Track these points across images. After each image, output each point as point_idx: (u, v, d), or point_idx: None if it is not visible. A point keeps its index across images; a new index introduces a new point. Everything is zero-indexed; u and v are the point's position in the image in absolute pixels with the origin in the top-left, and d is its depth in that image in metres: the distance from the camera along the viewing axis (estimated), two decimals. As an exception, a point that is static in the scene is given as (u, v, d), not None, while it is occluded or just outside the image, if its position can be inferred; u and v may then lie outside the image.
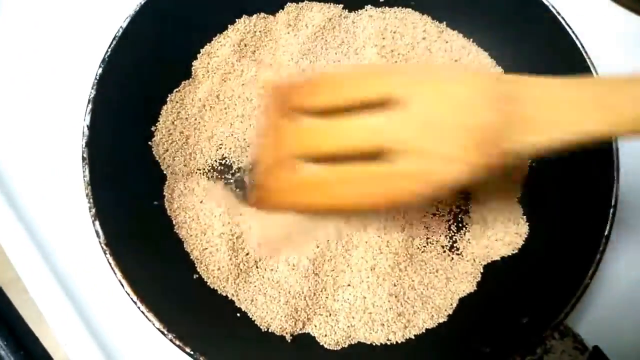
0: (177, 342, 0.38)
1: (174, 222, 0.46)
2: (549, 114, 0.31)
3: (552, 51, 0.49)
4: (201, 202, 0.47)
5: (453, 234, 0.48)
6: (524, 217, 0.47)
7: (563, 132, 0.30)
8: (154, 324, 0.38)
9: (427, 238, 0.48)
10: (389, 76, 0.35)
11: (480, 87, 0.32)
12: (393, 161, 0.31)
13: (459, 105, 0.31)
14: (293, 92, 0.37)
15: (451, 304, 0.45)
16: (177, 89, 0.50)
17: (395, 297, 0.45)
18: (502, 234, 0.47)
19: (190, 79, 0.51)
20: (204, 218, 0.47)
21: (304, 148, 0.35)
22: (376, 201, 0.34)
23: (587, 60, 0.46)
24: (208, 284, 0.45)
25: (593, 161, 0.44)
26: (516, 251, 0.46)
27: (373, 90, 0.33)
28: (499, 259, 0.46)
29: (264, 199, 0.38)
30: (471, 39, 0.53)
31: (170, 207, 0.47)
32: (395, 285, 0.45)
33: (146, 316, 0.38)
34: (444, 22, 0.54)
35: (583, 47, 0.46)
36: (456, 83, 0.32)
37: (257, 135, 0.43)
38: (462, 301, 0.45)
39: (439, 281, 0.46)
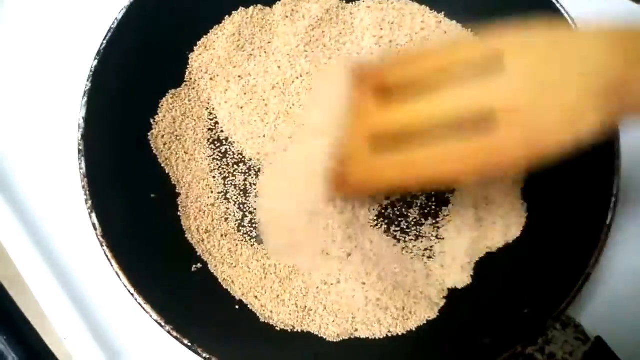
0: (175, 334, 0.38)
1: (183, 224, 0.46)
2: None
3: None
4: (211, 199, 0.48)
5: (446, 223, 0.48)
6: (524, 205, 0.47)
7: None
8: (151, 316, 0.38)
9: (422, 228, 0.48)
10: (486, 39, 0.32)
11: (599, 36, 0.28)
12: (493, 129, 0.29)
13: (576, 58, 0.28)
14: (384, 71, 0.36)
15: (451, 295, 0.45)
16: (175, 86, 0.49)
17: (395, 289, 0.45)
18: (500, 223, 0.46)
19: (188, 73, 0.50)
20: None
21: (400, 124, 0.33)
22: (475, 171, 0.32)
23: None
24: (211, 271, 0.45)
25: (594, 149, 0.43)
26: (515, 240, 0.46)
27: (468, 55, 0.31)
28: (499, 247, 0.46)
29: (355, 182, 0.37)
30: (469, 29, 0.53)
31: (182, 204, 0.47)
32: (395, 278, 0.45)
33: (143, 308, 0.38)
34: (442, 12, 0.53)
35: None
36: (570, 35, 0.30)
37: (345, 122, 0.40)
38: (463, 292, 0.45)
39: (438, 272, 0.46)
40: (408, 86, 0.33)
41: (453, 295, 0.45)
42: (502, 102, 0.29)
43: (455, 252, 0.46)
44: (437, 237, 0.48)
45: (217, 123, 0.50)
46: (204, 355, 0.37)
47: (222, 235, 0.47)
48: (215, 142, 0.50)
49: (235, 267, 0.46)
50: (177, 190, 0.48)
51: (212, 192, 0.49)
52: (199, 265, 0.45)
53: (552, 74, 0.28)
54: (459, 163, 0.31)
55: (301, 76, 0.51)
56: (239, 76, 0.51)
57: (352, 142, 0.38)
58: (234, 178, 0.49)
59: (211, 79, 0.51)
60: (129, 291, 0.38)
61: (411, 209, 0.48)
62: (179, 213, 0.47)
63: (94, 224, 0.40)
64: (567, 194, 0.44)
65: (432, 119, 0.32)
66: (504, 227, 0.46)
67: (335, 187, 0.40)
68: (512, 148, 0.29)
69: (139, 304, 0.38)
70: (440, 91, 0.31)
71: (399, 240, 0.47)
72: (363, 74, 0.38)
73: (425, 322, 0.44)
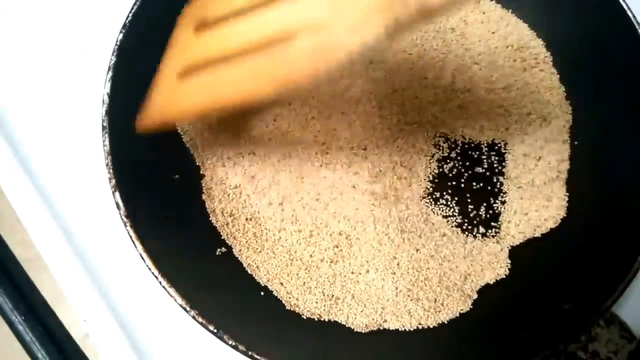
0: (200, 320, 0.36)
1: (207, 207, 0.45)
2: None
3: (597, 19, 0.45)
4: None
5: (485, 211, 0.46)
6: (566, 192, 0.45)
7: None
8: (175, 300, 0.37)
9: (455, 218, 0.46)
10: None
11: None
12: (290, 46, 0.30)
13: None
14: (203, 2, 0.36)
15: (486, 287, 0.43)
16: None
17: (427, 279, 0.43)
18: (538, 209, 0.44)
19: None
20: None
21: (211, 49, 0.34)
22: (272, 85, 0.31)
23: (637, 27, 0.43)
24: (236, 255, 0.43)
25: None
26: (557, 231, 0.43)
27: None
28: (538, 236, 0.44)
29: (158, 112, 0.37)
30: (509, 10, 0.50)
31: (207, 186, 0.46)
32: (428, 269, 0.43)
33: (168, 292, 0.37)
34: (481, -8, 0.50)
35: (633, 14, 0.43)
36: None
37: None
38: (499, 284, 0.43)
39: (473, 263, 0.44)
40: (229, 16, 0.33)
41: (488, 287, 0.43)
42: (300, 20, 0.30)
43: (494, 243, 0.44)
44: (478, 226, 0.46)
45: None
46: (230, 342, 0.36)
47: (246, 219, 0.46)
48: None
49: (260, 252, 0.44)
50: (201, 172, 0.46)
51: (237, 174, 0.47)
52: (224, 250, 0.44)
53: None
54: (258, 79, 0.32)
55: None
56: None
57: (162, 74, 0.37)
58: (260, 160, 0.47)
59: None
60: (153, 274, 0.37)
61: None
62: (203, 195, 0.45)
63: (117, 203, 0.38)
64: (615, 181, 0.42)
65: (239, 40, 0.32)
66: (540, 213, 0.45)
67: (145, 122, 0.38)
68: (305, 60, 0.30)
69: (164, 287, 0.37)
70: (253, 15, 0.32)
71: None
72: (187, 9, 0.39)
73: (458, 314, 0.42)
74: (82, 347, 0.47)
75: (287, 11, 0.31)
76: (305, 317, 0.42)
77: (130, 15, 0.42)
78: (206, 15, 0.35)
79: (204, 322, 0.36)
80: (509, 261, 0.44)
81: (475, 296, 0.43)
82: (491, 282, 0.43)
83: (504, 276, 0.44)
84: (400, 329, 0.42)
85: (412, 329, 0.42)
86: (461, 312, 0.42)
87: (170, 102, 0.36)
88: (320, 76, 0.29)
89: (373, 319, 0.42)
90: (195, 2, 0.39)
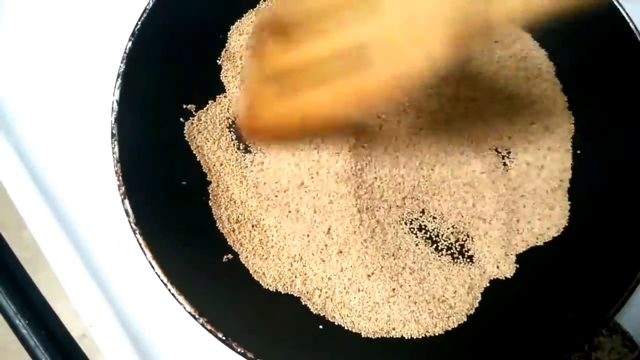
0: (209, 327, 0.37)
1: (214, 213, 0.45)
2: None
3: (599, 30, 0.46)
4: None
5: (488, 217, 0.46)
6: (568, 202, 0.45)
7: None
8: (185, 308, 0.37)
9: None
10: None
11: None
12: (370, 62, 0.32)
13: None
14: (279, 9, 0.38)
15: (492, 294, 0.43)
16: (211, 71, 0.48)
17: (433, 287, 0.43)
18: (541, 218, 0.45)
19: (223, 58, 0.49)
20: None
21: (295, 62, 0.35)
22: (355, 101, 0.34)
23: (639, 38, 0.44)
24: (242, 262, 0.44)
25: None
26: (560, 240, 0.44)
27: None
28: (541, 245, 0.44)
29: (256, 127, 0.39)
30: (513, 20, 0.51)
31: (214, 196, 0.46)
32: (434, 276, 0.44)
33: (177, 299, 0.37)
34: None
35: (635, 25, 0.44)
36: None
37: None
38: (503, 292, 0.43)
39: (474, 271, 0.44)
40: (303, 24, 0.35)
41: (494, 294, 0.44)
42: (377, 38, 0.33)
43: (490, 245, 0.45)
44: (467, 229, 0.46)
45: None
46: (239, 349, 0.36)
47: (252, 226, 0.46)
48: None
49: (266, 258, 0.45)
50: (208, 179, 0.46)
51: (242, 182, 0.47)
52: (230, 256, 0.44)
53: (418, 10, 0.32)
54: (344, 99, 0.34)
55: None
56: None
57: (255, 87, 0.39)
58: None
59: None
60: (162, 281, 0.37)
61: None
62: (210, 202, 0.45)
63: (126, 211, 0.39)
64: (618, 191, 0.42)
65: (322, 56, 0.35)
66: (543, 221, 0.45)
67: (247, 134, 0.41)
68: (384, 80, 0.33)
69: (173, 295, 0.37)
70: (331, 32, 0.35)
71: (430, 238, 0.46)
72: (262, 19, 0.42)
73: (464, 321, 0.43)
74: (87, 353, 0.47)
75: (359, 28, 0.33)
76: (312, 323, 0.42)
77: (139, 23, 0.43)
78: (280, 21, 0.37)
79: (213, 329, 0.36)
80: (517, 265, 0.44)
81: (479, 298, 0.44)
82: (496, 283, 0.44)
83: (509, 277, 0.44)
84: (407, 337, 0.42)
85: (419, 337, 0.42)
86: (468, 314, 0.43)
87: (273, 119, 0.37)
88: (399, 98, 0.32)
89: (380, 327, 0.42)
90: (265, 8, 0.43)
